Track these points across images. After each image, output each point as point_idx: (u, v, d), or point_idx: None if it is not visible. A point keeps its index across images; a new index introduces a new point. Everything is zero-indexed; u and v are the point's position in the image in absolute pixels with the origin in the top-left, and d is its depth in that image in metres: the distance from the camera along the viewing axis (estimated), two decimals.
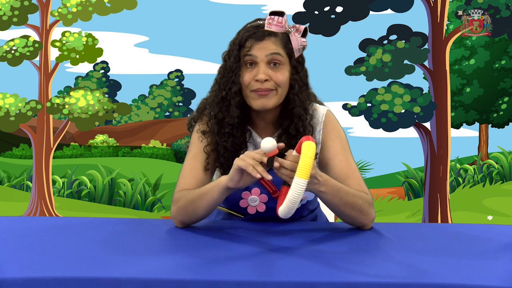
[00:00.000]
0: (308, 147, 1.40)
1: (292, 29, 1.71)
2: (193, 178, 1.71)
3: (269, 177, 1.45)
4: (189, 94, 6.90)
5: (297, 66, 1.72)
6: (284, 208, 1.40)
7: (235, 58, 1.69)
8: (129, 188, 6.01)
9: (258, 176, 1.45)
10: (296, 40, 1.70)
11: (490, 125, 6.39)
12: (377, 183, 6.10)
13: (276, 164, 1.44)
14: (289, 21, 1.74)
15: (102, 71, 6.76)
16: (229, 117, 1.71)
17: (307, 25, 4.86)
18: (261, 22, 1.71)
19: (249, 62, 1.68)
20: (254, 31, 1.69)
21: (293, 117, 1.71)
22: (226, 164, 1.73)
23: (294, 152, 1.47)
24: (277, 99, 1.69)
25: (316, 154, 1.74)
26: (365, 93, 4.91)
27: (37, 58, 5.67)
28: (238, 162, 1.48)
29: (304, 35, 1.71)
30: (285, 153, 1.47)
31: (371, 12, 4.90)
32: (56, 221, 1.82)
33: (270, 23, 1.68)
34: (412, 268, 1.30)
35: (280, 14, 1.69)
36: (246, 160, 1.47)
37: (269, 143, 1.45)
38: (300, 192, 1.38)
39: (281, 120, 1.74)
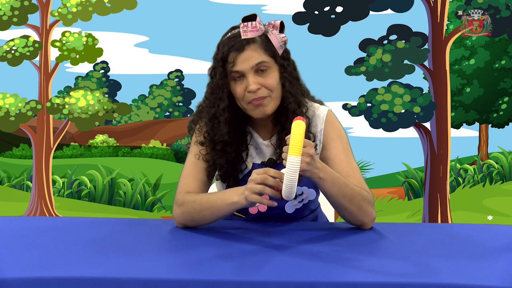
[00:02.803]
0: (297, 126, 1.41)
1: (268, 28, 1.70)
2: (195, 179, 1.72)
3: (274, 204, 1.48)
4: (189, 94, 6.89)
5: (284, 62, 1.72)
6: (284, 189, 1.41)
7: (221, 75, 1.69)
8: (129, 188, 6.01)
9: (275, 204, 1.48)
10: (275, 38, 1.69)
11: (490, 125, 6.39)
12: (377, 183, 6.08)
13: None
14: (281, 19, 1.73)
15: (102, 71, 6.74)
16: (219, 134, 1.71)
17: (306, 25, 4.87)
18: (237, 31, 1.69)
19: (236, 76, 1.68)
20: (233, 43, 1.67)
21: (288, 112, 1.72)
22: (225, 177, 1.75)
23: None
24: (274, 103, 1.70)
25: (316, 145, 1.74)
26: (365, 93, 4.91)
27: (37, 58, 5.66)
28: (250, 197, 1.49)
29: (281, 30, 1.71)
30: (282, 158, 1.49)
31: (371, 12, 4.89)
32: (56, 221, 1.82)
33: (246, 30, 1.67)
34: (412, 267, 1.30)
35: (252, 18, 1.68)
36: (257, 191, 1.48)
37: None
38: (295, 169, 1.38)
39: (278, 117, 1.75)
